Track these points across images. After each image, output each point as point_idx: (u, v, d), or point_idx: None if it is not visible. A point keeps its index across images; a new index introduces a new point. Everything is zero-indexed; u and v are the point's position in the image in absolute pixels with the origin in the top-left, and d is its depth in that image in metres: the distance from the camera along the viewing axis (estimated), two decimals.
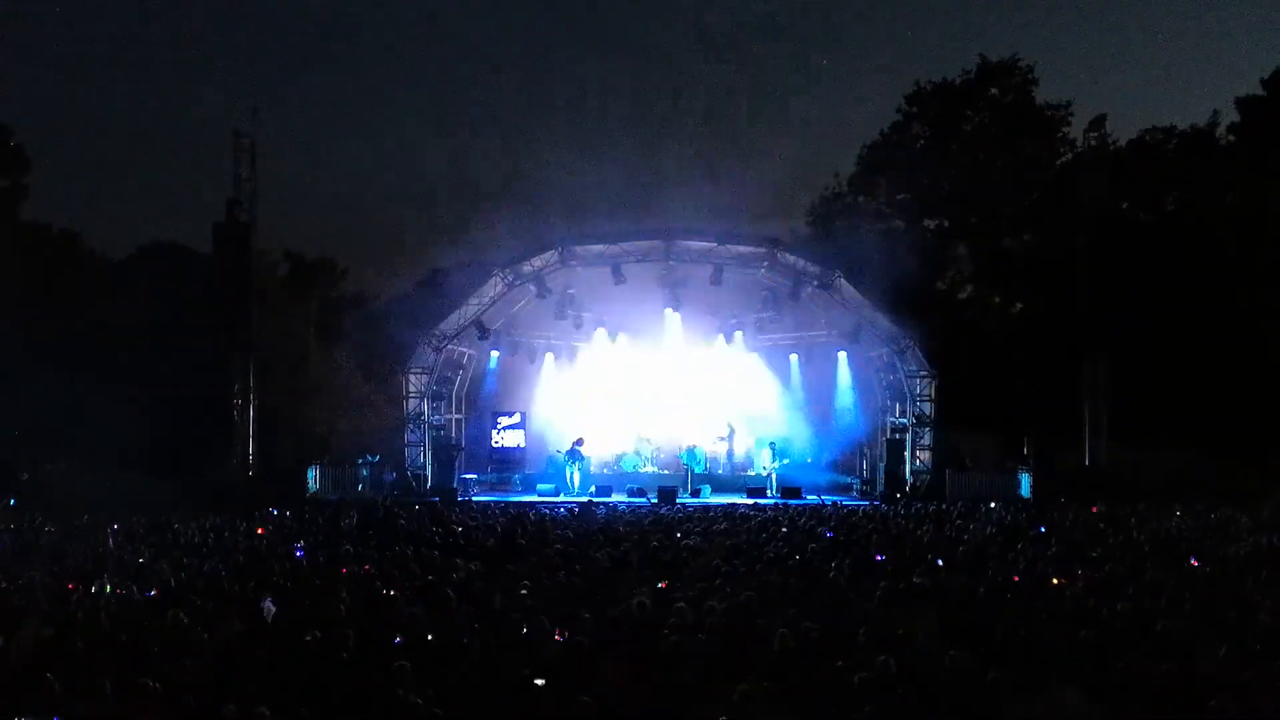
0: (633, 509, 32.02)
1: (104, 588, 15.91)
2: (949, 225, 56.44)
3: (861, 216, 54.93)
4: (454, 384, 44.08)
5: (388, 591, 15.37)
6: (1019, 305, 56.14)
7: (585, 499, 35.66)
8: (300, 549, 20.80)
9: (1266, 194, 46.90)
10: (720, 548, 20.26)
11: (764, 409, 43.51)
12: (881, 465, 40.63)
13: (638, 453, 42.92)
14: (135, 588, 16.37)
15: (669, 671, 11.41)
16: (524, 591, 15.02)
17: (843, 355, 42.83)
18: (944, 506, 32.04)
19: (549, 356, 44.74)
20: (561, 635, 12.40)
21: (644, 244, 40.27)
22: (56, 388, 40.02)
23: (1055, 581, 16.46)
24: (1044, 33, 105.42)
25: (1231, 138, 52.20)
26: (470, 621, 12.80)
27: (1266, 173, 47.52)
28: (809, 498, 37.48)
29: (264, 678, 11.39)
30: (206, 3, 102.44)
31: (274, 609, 14.88)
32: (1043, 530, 23.97)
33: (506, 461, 43.45)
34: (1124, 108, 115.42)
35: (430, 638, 12.51)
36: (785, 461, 40.83)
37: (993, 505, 31.93)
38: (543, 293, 40.80)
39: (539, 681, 11.39)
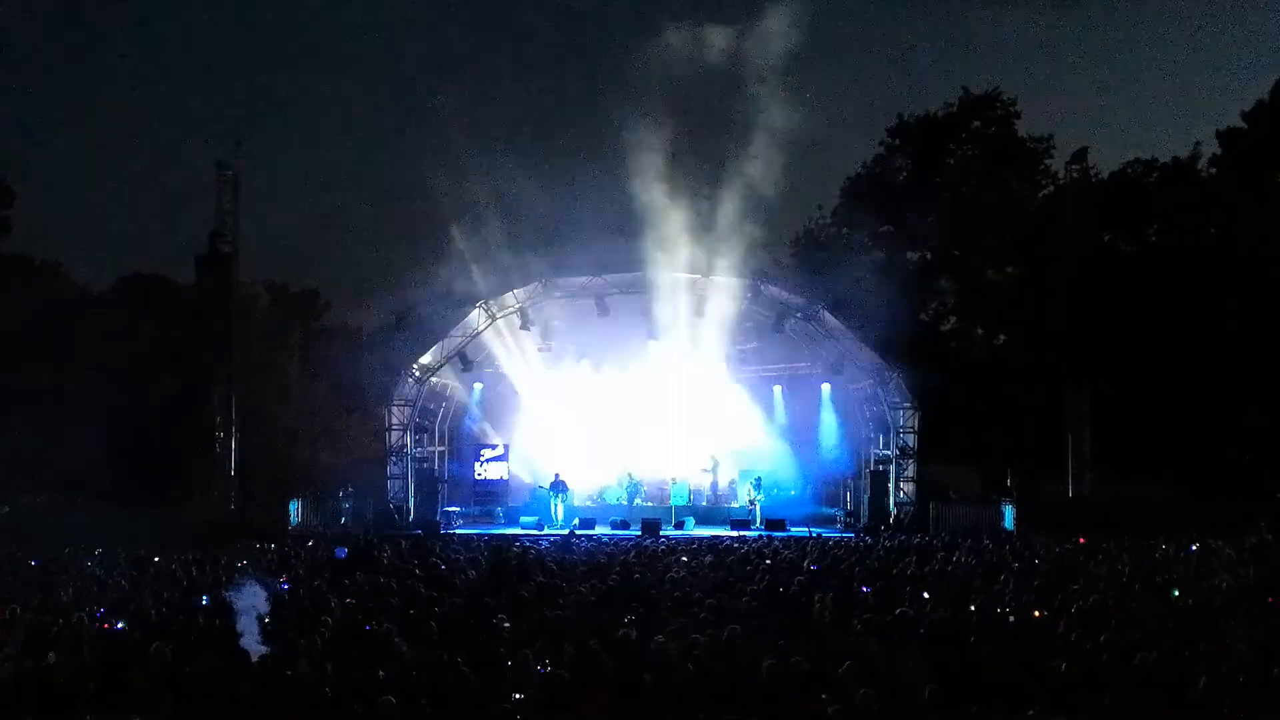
0: (616, 541, 32.00)
1: (85, 621, 15.84)
2: (932, 258, 56.55)
3: (845, 249, 55.03)
4: (437, 416, 44.09)
5: (370, 625, 15.33)
6: (1002, 337, 56.27)
7: (567, 531, 35.64)
8: (285, 583, 20.73)
9: (1248, 226, 47.08)
10: (704, 580, 20.24)
11: (747, 441, 43.52)
12: (865, 497, 40.68)
13: (621, 485, 42.86)
14: (117, 621, 16.31)
15: (653, 705, 11.39)
16: (507, 624, 14.99)
17: (826, 387, 42.89)
18: (928, 539, 32.06)
19: (532, 389, 44.67)
20: (545, 668, 12.37)
21: (627, 276, 40.36)
22: (37, 419, 39.89)
23: (1037, 614, 16.48)
24: (1026, 66, 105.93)
25: (1212, 170, 52.48)
26: (453, 655, 12.76)
27: (1247, 205, 47.71)
28: (793, 530, 37.44)
29: (246, 712, 11.35)
30: (190, 34, 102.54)
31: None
32: (1042, 563, 23.98)
33: (490, 494, 43.40)
34: (1106, 141, 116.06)
35: (413, 671, 12.47)
36: (774, 492, 40.97)
37: (978, 538, 31.90)
38: (526, 324, 40.83)
39: (518, 696, 11.43)
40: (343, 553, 21.26)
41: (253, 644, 14.01)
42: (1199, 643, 13.52)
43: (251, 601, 14.96)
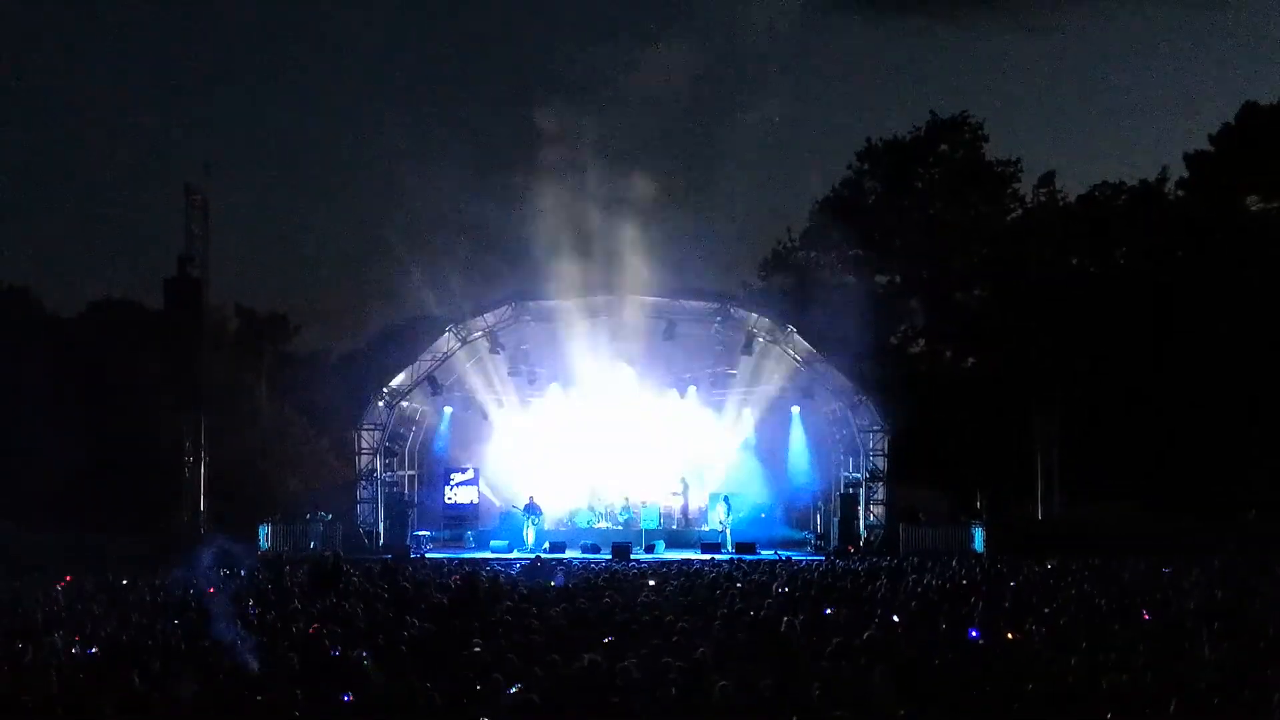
0: (586, 565, 31.98)
1: (54, 646, 15.76)
2: (901, 280, 56.76)
3: (814, 271, 55.20)
4: (407, 440, 43.95)
5: (339, 649, 15.28)
6: (970, 360, 56.45)
7: (536, 555, 35.58)
8: (254, 608, 20.63)
9: (1215, 249, 47.36)
10: (675, 604, 20.23)
11: (718, 464, 43.49)
12: (835, 520, 40.66)
13: (591, 509, 42.77)
14: (86, 647, 16.23)
15: None
16: (477, 648, 14.96)
17: (796, 410, 42.83)
18: (897, 561, 32.09)
19: (502, 413, 44.60)
20: (515, 692, 12.34)
21: (597, 299, 40.35)
22: (4, 443, 39.69)
23: (1010, 636, 16.51)
24: (994, 90, 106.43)
25: (1180, 193, 52.81)
26: (423, 679, 12.73)
27: (1215, 228, 48.01)
28: (763, 553, 37.40)
29: None
30: (159, 58, 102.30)
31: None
32: (1010, 585, 24.00)
33: (460, 518, 43.17)
34: (1073, 164, 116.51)
35: (383, 695, 12.44)
36: (739, 514, 40.91)
37: (948, 560, 31.96)
38: (496, 348, 40.84)
39: None
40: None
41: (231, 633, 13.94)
42: (1168, 664, 13.56)
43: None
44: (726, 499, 40.86)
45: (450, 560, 34.98)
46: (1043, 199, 42.35)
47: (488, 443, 44.53)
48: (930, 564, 29.84)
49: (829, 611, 19.08)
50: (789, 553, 37.58)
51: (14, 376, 41.83)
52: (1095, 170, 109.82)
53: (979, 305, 55.12)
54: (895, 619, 18.35)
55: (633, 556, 36.08)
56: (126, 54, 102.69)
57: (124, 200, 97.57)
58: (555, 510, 42.47)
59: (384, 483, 41.83)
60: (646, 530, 40.73)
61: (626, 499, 42.11)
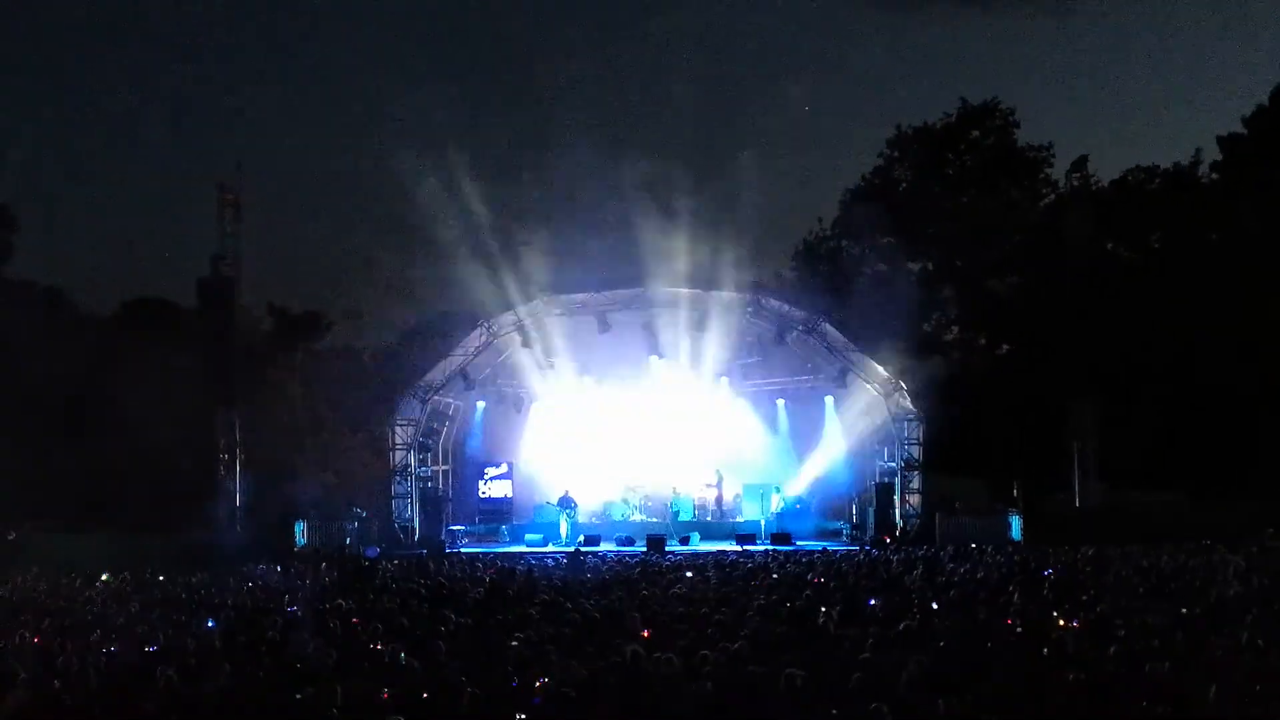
0: (621, 558, 31.95)
1: (92, 647, 15.79)
2: (933, 268, 56.53)
3: (846, 260, 55.05)
4: (440, 435, 44.00)
5: (376, 645, 15.27)
6: (1005, 347, 56.21)
7: (574, 549, 35.59)
8: (294, 607, 20.64)
9: (1249, 231, 47.05)
10: (711, 596, 20.18)
11: (751, 455, 43.43)
12: (871, 510, 40.55)
13: (625, 501, 42.78)
14: (123, 646, 16.26)
15: None
16: (514, 643, 14.93)
17: (829, 400, 42.73)
18: (934, 550, 31.99)
19: (535, 406, 44.60)
20: (551, 686, 12.31)
21: (627, 292, 40.37)
22: (41, 445, 39.84)
23: (1050, 625, 16.41)
24: (1024, 76, 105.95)
25: (1214, 176, 52.51)
26: (460, 674, 12.70)
27: (1249, 210, 47.69)
28: (799, 544, 37.36)
29: None
30: (191, 57, 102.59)
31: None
32: (1048, 573, 23.87)
33: (494, 512, 43.23)
34: (1106, 148, 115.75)
35: (420, 691, 12.42)
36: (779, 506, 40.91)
37: (985, 549, 31.85)
38: (527, 342, 40.81)
39: (521, 717, 11.37)
40: (374, 552, 21.44)
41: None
42: (1209, 652, 13.46)
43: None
44: (776, 488, 40.87)
45: (485, 555, 35.04)
46: (1075, 184, 42.13)
47: (521, 436, 44.58)
48: (967, 553, 29.76)
49: (869, 603, 19.01)
50: (825, 543, 37.57)
51: (48, 376, 42.04)
52: (1128, 154, 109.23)
53: (1013, 292, 54.89)
54: (934, 608, 18.28)
55: (668, 548, 36.06)
56: (158, 52, 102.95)
57: (156, 199, 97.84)
58: (589, 503, 42.53)
59: (418, 478, 41.93)
60: (681, 522, 40.74)
61: (675, 490, 42.07)
